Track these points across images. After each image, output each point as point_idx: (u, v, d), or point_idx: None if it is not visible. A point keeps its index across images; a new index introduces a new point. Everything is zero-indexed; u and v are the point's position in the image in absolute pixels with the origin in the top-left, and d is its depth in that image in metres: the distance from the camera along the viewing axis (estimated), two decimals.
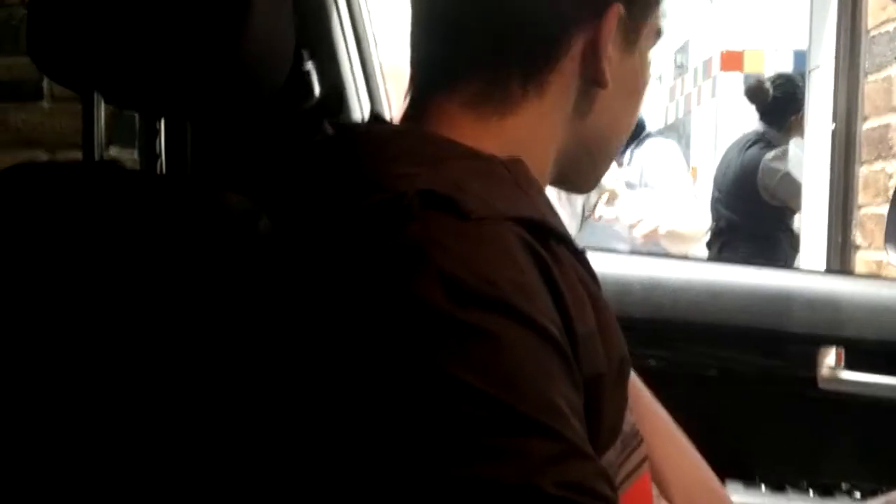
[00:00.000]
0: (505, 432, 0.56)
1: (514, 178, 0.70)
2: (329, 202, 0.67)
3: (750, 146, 3.81)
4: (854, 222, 2.38)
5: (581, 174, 0.83)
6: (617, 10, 0.73)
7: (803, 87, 3.66)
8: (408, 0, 0.78)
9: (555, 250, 0.67)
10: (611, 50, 0.74)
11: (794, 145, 3.68)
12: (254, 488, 0.66)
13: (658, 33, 0.81)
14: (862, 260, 2.40)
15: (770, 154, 3.68)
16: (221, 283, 0.71)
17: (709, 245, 3.87)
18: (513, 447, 0.56)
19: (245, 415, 0.67)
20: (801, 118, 3.62)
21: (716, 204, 3.91)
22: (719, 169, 4.01)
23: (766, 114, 3.83)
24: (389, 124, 0.82)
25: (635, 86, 0.80)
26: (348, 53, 1.43)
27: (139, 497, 0.78)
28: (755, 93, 3.80)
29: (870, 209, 2.41)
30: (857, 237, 2.40)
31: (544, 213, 0.69)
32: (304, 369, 0.62)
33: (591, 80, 0.75)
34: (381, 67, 1.52)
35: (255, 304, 0.68)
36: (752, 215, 3.74)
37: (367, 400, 0.58)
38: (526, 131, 0.74)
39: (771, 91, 3.75)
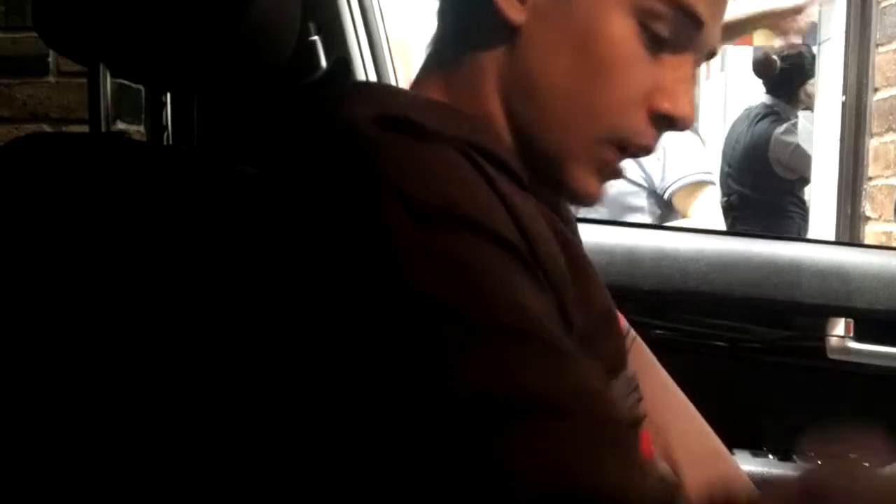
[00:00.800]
0: (478, 343, 0.56)
1: (466, 113, 0.72)
2: (295, 146, 0.69)
3: (759, 120, 3.79)
4: (864, 194, 2.38)
5: (541, 143, 0.74)
6: None
7: (811, 57, 3.67)
8: None
9: (495, 174, 0.68)
10: None
11: (803, 118, 3.66)
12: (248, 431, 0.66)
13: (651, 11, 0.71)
14: (872, 231, 2.39)
15: (781, 128, 3.67)
16: (228, 251, 0.71)
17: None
18: (488, 356, 0.56)
19: (246, 373, 0.68)
20: (808, 89, 3.63)
21: (726, 179, 3.89)
22: (727, 143, 3.99)
23: (774, 86, 3.80)
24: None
25: (586, 41, 0.71)
26: (354, 26, 1.43)
27: (141, 466, 0.78)
28: (763, 66, 3.76)
29: (880, 181, 2.39)
30: (867, 209, 2.39)
31: (493, 145, 0.70)
32: (285, 308, 0.62)
33: (500, 19, 0.73)
34: (387, 40, 1.51)
35: (250, 261, 0.68)
36: (763, 189, 3.73)
37: (340, 326, 0.59)
38: (466, 82, 0.76)
39: (779, 63, 3.72)
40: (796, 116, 3.74)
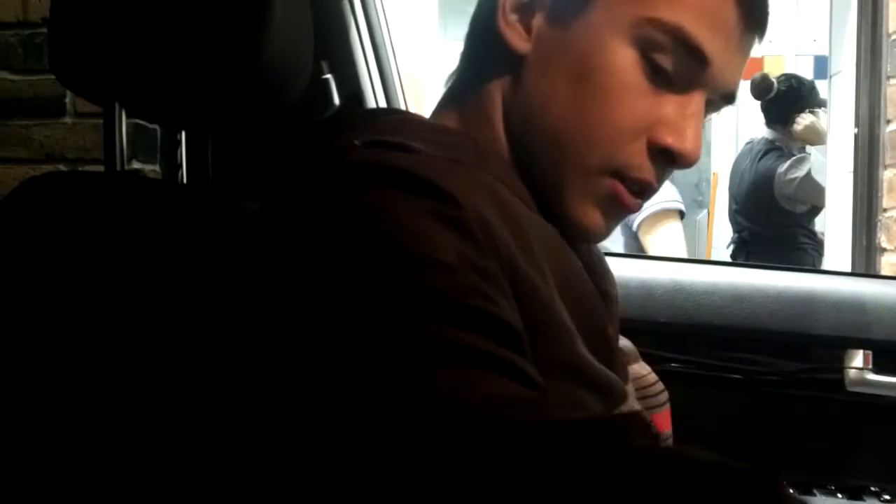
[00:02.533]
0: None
1: (476, 145, 0.72)
2: (291, 181, 0.69)
3: (762, 157, 3.77)
4: (879, 226, 2.36)
5: (550, 177, 0.74)
6: None
7: (811, 87, 3.74)
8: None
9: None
10: (538, 21, 0.74)
11: (815, 151, 3.66)
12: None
13: (654, 25, 0.69)
14: (887, 263, 2.38)
15: (783, 166, 3.65)
16: (238, 288, 0.71)
17: (733, 257, 3.86)
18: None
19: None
20: (805, 121, 3.66)
21: (735, 216, 3.88)
22: (732, 180, 3.98)
23: (769, 111, 3.80)
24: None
25: (582, 65, 0.71)
26: (367, 63, 1.44)
27: (139, 469, 0.78)
28: (759, 87, 3.73)
29: (894, 212, 2.38)
30: (882, 240, 2.38)
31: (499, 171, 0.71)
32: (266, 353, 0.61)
33: (504, 49, 0.74)
34: (399, 76, 1.52)
35: (244, 296, 0.68)
36: (773, 224, 3.72)
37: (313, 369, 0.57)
38: (475, 110, 0.77)
39: (776, 86, 3.69)
40: (799, 150, 3.74)
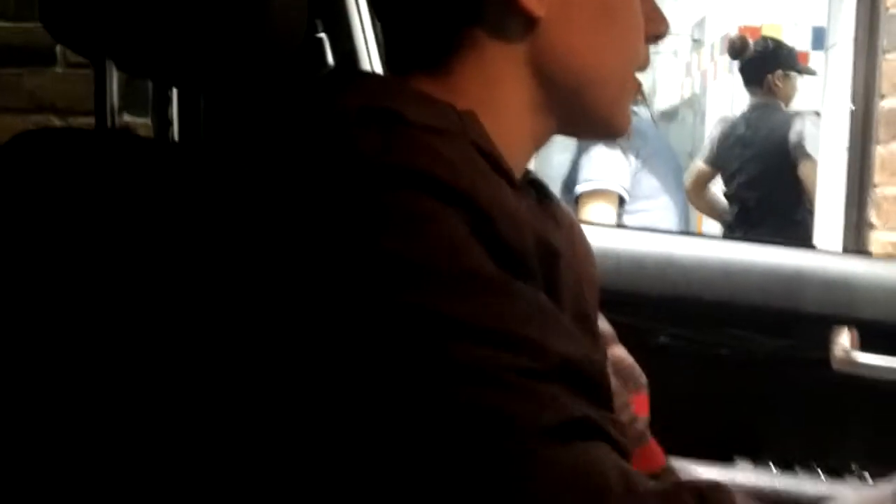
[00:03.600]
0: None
1: (461, 119, 0.70)
2: (286, 142, 0.69)
3: (760, 120, 3.77)
4: (869, 202, 2.37)
5: (589, 112, 0.79)
6: None
7: (788, 51, 3.87)
8: None
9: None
10: None
11: (810, 123, 3.64)
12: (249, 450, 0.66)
13: None
14: (877, 240, 2.39)
15: (799, 123, 3.62)
16: (221, 252, 0.70)
17: (731, 228, 3.85)
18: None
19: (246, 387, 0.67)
20: (784, 81, 3.75)
21: (737, 188, 3.82)
22: (723, 151, 3.91)
23: (745, 72, 3.86)
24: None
25: (607, 12, 0.76)
26: (361, 22, 1.42)
27: (138, 492, 0.78)
28: (735, 46, 3.90)
29: (886, 189, 2.39)
30: (873, 217, 2.39)
31: (483, 140, 0.70)
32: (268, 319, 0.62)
33: (519, 13, 0.73)
34: None
35: (240, 264, 0.68)
36: (787, 187, 3.66)
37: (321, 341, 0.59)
38: (477, 88, 0.74)
39: (752, 47, 3.83)
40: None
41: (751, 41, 3.90)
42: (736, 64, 3.99)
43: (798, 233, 3.55)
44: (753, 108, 3.85)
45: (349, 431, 0.59)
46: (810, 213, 3.53)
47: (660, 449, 0.93)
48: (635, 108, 2.59)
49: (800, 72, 3.86)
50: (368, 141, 0.63)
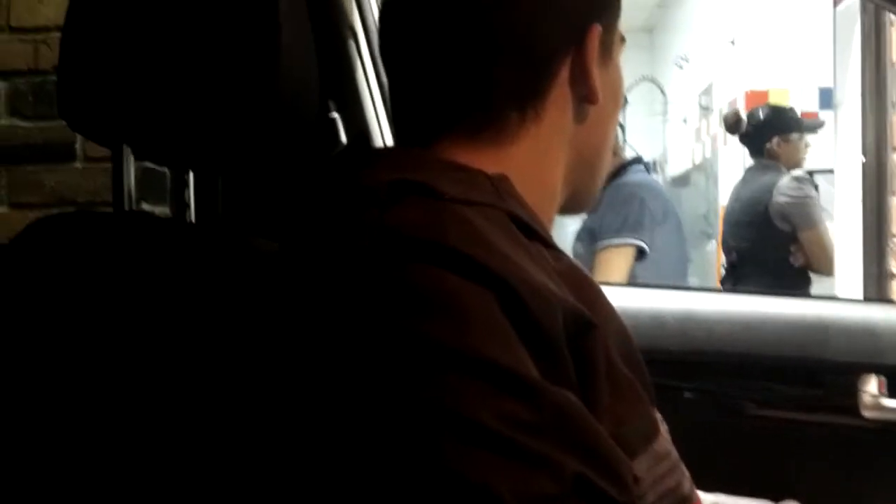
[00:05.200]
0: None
1: (495, 186, 0.71)
2: (314, 212, 0.71)
3: (755, 177, 3.82)
4: (888, 252, 2.36)
5: (586, 188, 0.85)
6: (597, 30, 0.78)
7: (788, 113, 3.93)
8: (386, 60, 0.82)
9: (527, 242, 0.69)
10: (594, 67, 0.78)
11: (823, 181, 3.66)
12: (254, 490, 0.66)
13: (622, 39, 0.84)
14: None
15: (783, 180, 3.65)
16: (247, 324, 0.71)
17: (723, 282, 3.86)
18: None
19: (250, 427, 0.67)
20: (784, 146, 3.77)
21: (725, 241, 3.89)
22: (727, 209, 4.00)
23: (748, 144, 3.94)
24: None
25: (617, 93, 0.84)
26: (373, 102, 1.45)
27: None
28: (729, 124, 4.00)
29: None
30: (893, 266, 2.38)
31: (519, 209, 0.72)
32: (300, 369, 0.62)
33: (583, 98, 0.79)
34: None
35: (264, 340, 0.68)
36: (765, 242, 3.68)
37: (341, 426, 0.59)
38: (528, 158, 0.77)
39: (745, 122, 3.91)
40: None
41: (744, 115, 4.01)
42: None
43: (782, 285, 3.54)
44: (751, 168, 3.94)
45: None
46: (801, 270, 3.55)
47: None
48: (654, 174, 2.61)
49: (802, 132, 3.89)
50: (400, 216, 0.64)
